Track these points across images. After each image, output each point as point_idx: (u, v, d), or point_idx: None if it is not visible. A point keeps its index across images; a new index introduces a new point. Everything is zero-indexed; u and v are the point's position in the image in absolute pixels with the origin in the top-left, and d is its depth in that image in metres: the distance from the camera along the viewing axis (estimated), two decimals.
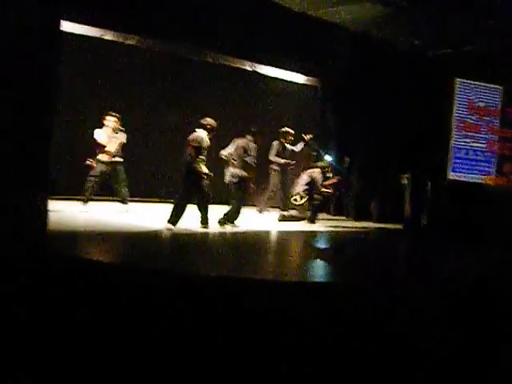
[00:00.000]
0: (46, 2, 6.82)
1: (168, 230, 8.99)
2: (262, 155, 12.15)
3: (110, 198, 11.06)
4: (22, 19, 6.53)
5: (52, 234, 7.29)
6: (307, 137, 12.45)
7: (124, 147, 10.75)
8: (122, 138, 10.71)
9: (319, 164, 12.09)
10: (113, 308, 4.90)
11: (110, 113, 10.66)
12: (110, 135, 10.60)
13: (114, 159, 10.57)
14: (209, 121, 9.53)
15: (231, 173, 10.15)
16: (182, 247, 8.35)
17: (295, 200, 11.49)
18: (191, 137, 9.32)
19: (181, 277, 6.00)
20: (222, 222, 9.99)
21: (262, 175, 12.30)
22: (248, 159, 10.14)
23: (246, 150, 10.18)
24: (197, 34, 10.99)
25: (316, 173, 11.64)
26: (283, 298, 5.57)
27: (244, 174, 10.08)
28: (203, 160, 9.35)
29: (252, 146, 10.25)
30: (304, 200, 11.43)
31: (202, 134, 9.36)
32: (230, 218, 10.08)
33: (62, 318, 4.57)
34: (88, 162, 10.39)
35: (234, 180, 10.07)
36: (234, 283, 5.93)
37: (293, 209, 11.75)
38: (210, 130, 9.47)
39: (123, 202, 10.77)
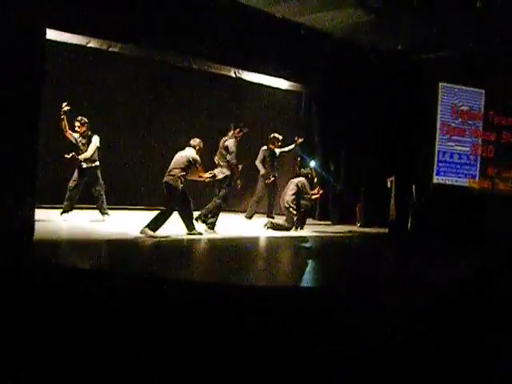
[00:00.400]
0: (30, 10, 6.82)
1: (150, 236, 8.96)
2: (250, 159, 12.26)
3: (92, 206, 10.96)
4: (8, 28, 6.54)
5: (37, 243, 7.29)
6: (299, 140, 12.51)
7: (99, 150, 10.64)
8: (96, 141, 10.53)
9: (303, 171, 12.10)
10: (100, 314, 4.89)
11: (77, 118, 10.48)
12: (79, 140, 10.46)
13: (90, 164, 10.48)
14: (198, 142, 9.65)
15: (217, 172, 10.30)
16: (169, 254, 8.34)
17: (291, 211, 11.51)
18: (193, 157, 9.44)
19: (167, 283, 6.01)
20: (200, 218, 10.25)
21: (250, 180, 12.39)
22: (228, 157, 10.29)
23: (227, 149, 10.34)
24: (182, 41, 11.00)
25: (302, 181, 11.66)
26: (272, 303, 5.60)
27: (227, 172, 10.23)
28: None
29: (231, 142, 10.36)
30: (296, 212, 11.47)
31: (194, 154, 9.50)
32: (207, 220, 10.23)
33: (49, 327, 4.56)
34: (67, 156, 10.34)
35: (219, 177, 10.30)
36: (220, 290, 5.94)
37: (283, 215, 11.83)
38: (197, 151, 9.58)
39: (101, 212, 10.65)
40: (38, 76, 7.03)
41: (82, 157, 10.34)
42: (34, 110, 6.99)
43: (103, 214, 10.61)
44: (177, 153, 9.58)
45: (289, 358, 4.41)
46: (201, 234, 9.69)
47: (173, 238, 9.23)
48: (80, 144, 10.43)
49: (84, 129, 10.47)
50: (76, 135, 10.45)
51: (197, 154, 9.55)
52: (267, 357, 4.39)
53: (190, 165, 9.37)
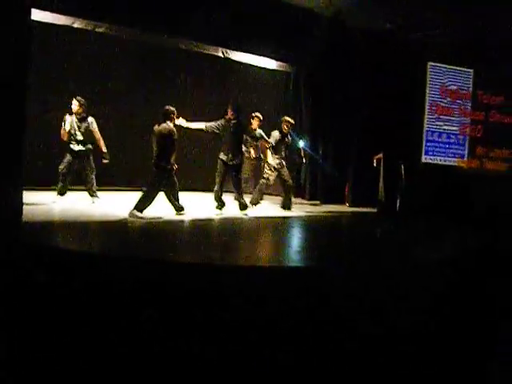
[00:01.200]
0: None
1: (138, 217, 8.96)
2: None
3: (82, 188, 10.89)
4: None
5: (27, 225, 7.27)
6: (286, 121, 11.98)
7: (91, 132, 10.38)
8: (95, 124, 10.36)
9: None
10: (90, 297, 4.89)
11: (75, 97, 10.24)
12: (74, 121, 10.23)
13: (83, 147, 10.29)
14: (171, 109, 9.46)
15: None
16: (158, 234, 8.34)
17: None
18: (169, 130, 9.29)
19: (158, 264, 6.01)
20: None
21: None
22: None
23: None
24: (169, 21, 10.92)
25: (273, 134, 11.54)
26: (260, 283, 5.61)
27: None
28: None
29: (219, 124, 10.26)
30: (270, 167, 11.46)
31: (168, 125, 9.35)
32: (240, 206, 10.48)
33: (39, 309, 4.56)
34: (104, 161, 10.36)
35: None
36: (208, 270, 5.95)
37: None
38: (172, 119, 9.44)
39: (90, 194, 10.54)
40: (23, 57, 6.96)
41: (73, 146, 10.23)
42: (20, 89, 6.93)
43: (92, 196, 10.55)
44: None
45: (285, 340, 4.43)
46: (183, 213, 9.69)
47: (162, 219, 9.23)
48: (76, 126, 10.22)
49: (81, 110, 10.24)
50: (70, 117, 10.22)
51: (172, 122, 9.40)
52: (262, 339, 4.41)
53: (165, 138, 9.26)
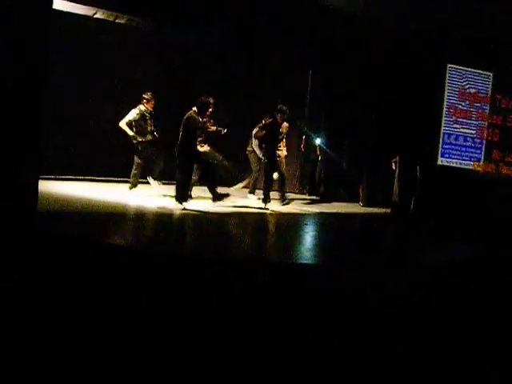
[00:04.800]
0: None
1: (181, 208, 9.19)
2: None
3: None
4: None
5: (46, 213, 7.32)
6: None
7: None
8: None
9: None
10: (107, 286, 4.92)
11: (149, 93, 10.48)
12: (147, 116, 10.47)
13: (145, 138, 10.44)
14: (207, 100, 9.58)
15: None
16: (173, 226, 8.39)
17: None
18: (189, 116, 9.45)
19: (172, 256, 6.05)
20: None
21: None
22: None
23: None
24: (190, 18, 10.92)
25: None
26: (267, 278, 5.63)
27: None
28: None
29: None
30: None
31: (192, 112, 9.46)
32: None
33: (52, 297, 4.58)
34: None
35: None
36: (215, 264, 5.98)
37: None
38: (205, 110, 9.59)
39: (131, 182, 10.54)
40: (43, 45, 7.01)
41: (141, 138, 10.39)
42: (40, 77, 6.99)
43: (132, 187, 10.54)
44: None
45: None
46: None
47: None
48: (148, 119, 10.45)
49: (150, 106, 10.48)
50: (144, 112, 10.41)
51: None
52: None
53: (187, 124, 9.41)
